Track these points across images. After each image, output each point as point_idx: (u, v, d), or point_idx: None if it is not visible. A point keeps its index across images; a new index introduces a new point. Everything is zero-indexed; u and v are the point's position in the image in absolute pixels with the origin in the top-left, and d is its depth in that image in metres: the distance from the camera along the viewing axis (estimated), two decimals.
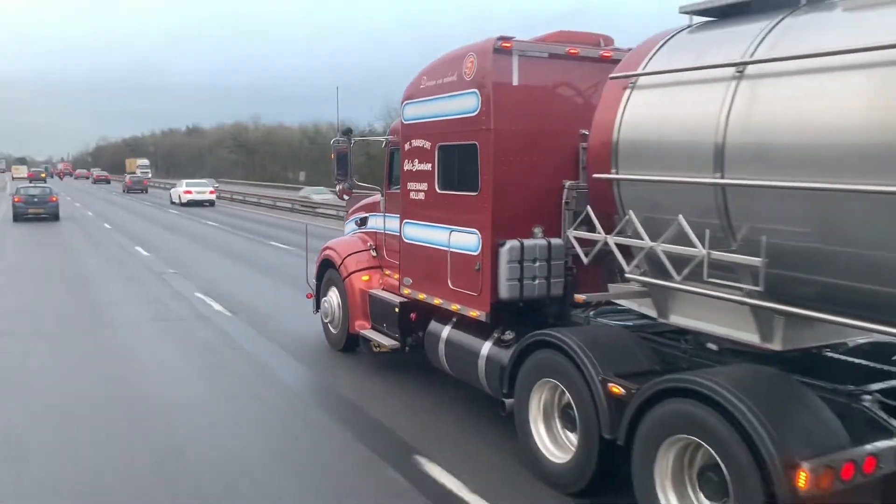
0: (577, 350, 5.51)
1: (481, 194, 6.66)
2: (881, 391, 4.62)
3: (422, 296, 7.66)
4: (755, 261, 4.45)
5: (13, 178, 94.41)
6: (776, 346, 4.92)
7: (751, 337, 5.00)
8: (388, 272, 8.93)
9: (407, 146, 7.82)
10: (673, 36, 5.56)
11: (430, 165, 7.41)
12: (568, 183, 6.63)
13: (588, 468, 5.45)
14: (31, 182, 53.94)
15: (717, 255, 4.68)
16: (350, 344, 9.44)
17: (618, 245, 5.53)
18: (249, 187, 58.93)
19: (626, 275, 5.63)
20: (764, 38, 4.67)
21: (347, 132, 9.36)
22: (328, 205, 34.88)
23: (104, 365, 9.18)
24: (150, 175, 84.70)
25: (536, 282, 6.60)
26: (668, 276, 5.12)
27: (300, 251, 12.41)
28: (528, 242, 6.55)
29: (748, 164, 4.51)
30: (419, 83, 7.56)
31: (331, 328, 9.85)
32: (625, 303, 6.11)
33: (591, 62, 6.82)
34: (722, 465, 4.37)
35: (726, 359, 5.28)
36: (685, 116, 4.96)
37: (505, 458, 6.30)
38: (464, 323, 7.21)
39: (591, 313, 6.58)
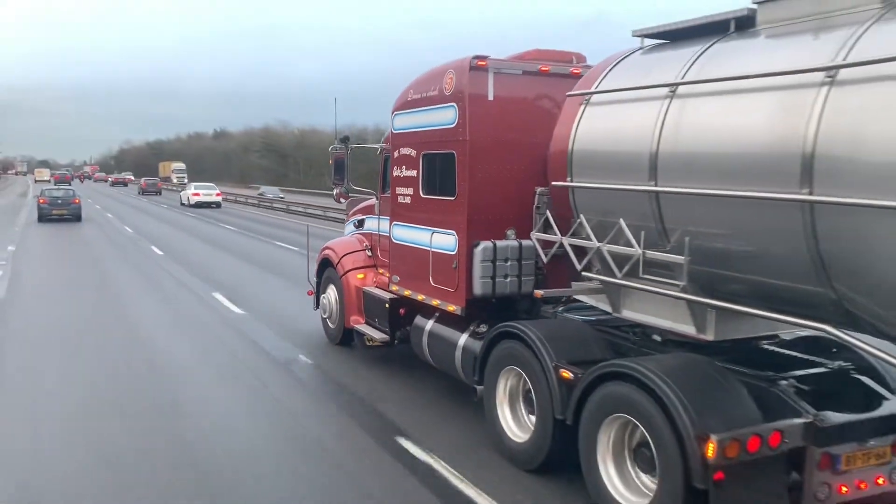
0: (536, 340, 6.10)
1: (458, 199, 7.27)
2: (797, 377, 5.19)
3: (407, 292, 8.29)
4: (680, 259, 5.04)
5: (35, 181, 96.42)
6: (709, 336, 5.47)
7: (688, 329, 5.56)
8: (381, 271, 9.56)
9: (396, 154, 8.46)
10: (625, 57, 6.15)
11: (415, 172, 8.04)
12: (539, 189, 7.21)
13: (544, 446, 6.05)
14: (56, 184, 55.47)
15: (650, 254, 5.27)
16: (346, 338, 10.11)
17: (573, 246, 6.12)
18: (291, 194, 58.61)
19: (583, 273, 6.23)
20: (695, 61, 5.26)
21: (345, 140, 10.01)
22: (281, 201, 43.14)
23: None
24: (186, 180, 78.31)
25: (508, 279, 7.20)
26: (615, 275, 5.71)
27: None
28: (500, 243, 7.16)
29: (677, 174, 5.10)
30: (406, 96, 8.20)
31: (329, 323, 10.50)
32: (583, 298, 6.69)
33: (562, 78, 7.41)
34: (650, 440, 4.95)
35: (669, 349, 5.86)
36: (627, 130, 5.55)
37: (483, 440, 6.90)
38: (445, 318, 7.82)
39: (560, 309, 7.20)
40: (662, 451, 4.83)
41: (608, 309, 6.37)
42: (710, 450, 4.51)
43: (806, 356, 5.64)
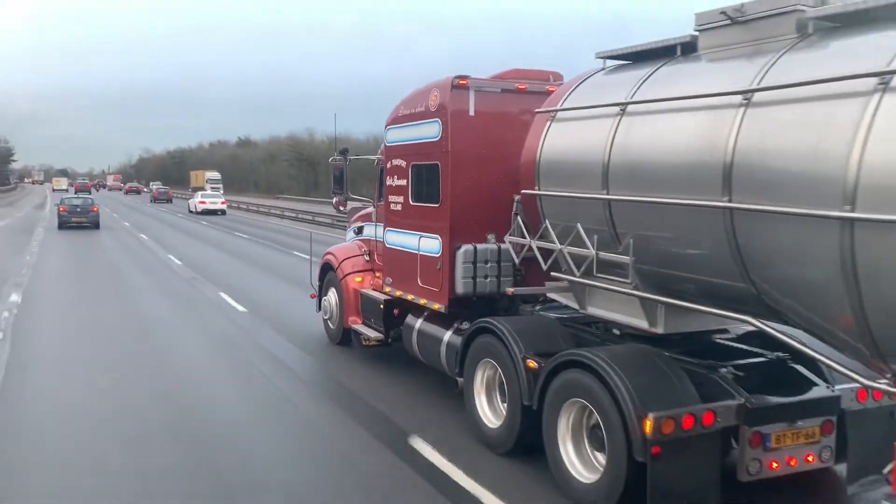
0: (507, 334, 6.73)
1: (442, 205, 7.92)
2: (736, 366, 5.79)
3: (399, 293, 8.94)
4: (626, 259, 5.66)
5: (53, 190, 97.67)
6: (660, 330, 6.07)
7: (641, 323, 6.17)
8: (377, 274, 10.21)
9: (389, 164, 9.13)
10: (588, 77, 6.79)
11: (405, 181, 8.70)
12: (517, 197, 7.85)
13: (514, 431, 6.66)
14: (76, 193, 56.96)
15: (603, 255, 5.89)
16: (345, 338, 10.77)
17: (540, 248, 6.75)
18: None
19: (551, 273, 6.85)
20: (644, 82, 5.88)
21: (344, 151, 10.68)
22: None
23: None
24: (221, 190, 71.79)
25: (488, 279, 7.84)
26: (583, 275, 6.32)
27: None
28: (480, 246, 7.81)
29: (624, 183, 5.72)
30: (398, 111, 8.87)
31: (330, 324, 11.17)
32: (554, 296, 7.32)
33: (538, 95, 8.02)
34: (600, 421, 5.56)
35: (626, 341, 6.46)
36: (585, 144, 6.18)
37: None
38: (432, 316, 8.46)
39: (538, 307, 7.83)
40: (610, 429, 5.43)
41: (576, 306, 6.99)
42: (648, 426, 5.11)
43: (749, 348, 6.23)
